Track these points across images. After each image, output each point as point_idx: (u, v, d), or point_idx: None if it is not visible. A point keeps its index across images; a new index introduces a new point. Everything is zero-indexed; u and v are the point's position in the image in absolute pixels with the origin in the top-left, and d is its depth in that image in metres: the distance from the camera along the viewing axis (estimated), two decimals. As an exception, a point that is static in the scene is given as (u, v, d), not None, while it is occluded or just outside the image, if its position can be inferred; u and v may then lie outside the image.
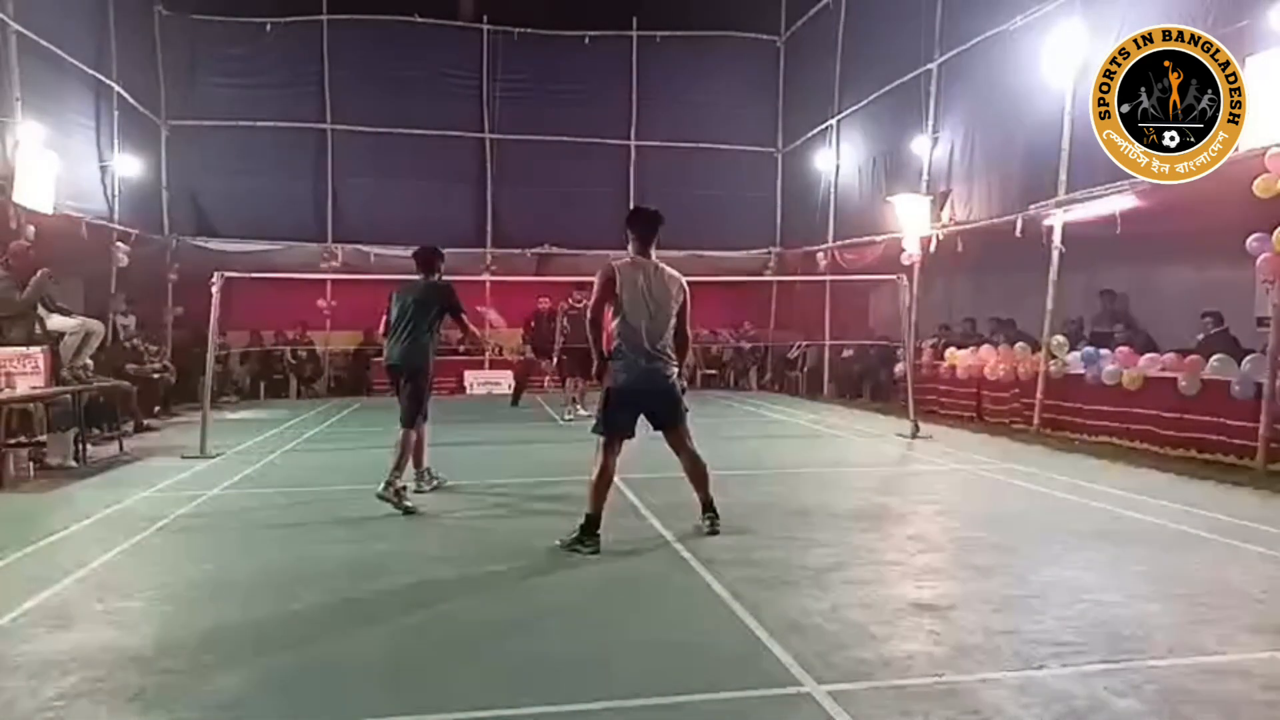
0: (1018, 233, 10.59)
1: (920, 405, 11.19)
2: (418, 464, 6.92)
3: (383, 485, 6.19)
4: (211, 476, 7.70)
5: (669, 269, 5.42)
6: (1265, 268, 7.53)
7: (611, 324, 5.29)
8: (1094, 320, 11.05)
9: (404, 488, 6.33)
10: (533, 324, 13.80)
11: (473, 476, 7.55)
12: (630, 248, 5.43)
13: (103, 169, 13.24)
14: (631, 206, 20.03)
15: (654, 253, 5.43)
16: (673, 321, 5.34)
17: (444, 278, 6.96)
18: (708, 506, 5.52)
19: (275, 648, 3.62)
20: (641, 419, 5.35)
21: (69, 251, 10.63)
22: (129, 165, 13.96)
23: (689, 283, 5.49)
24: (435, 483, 7.02)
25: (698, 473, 5.53)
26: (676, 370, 5.41)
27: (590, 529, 5.08)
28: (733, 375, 18.39)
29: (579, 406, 12.17)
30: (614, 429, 5.26)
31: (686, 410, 5.49)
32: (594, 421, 5.40)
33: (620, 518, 5.70)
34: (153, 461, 8.62)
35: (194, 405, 12.45)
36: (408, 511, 6.12)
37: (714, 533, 5.40)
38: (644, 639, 3.70)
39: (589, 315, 5.37)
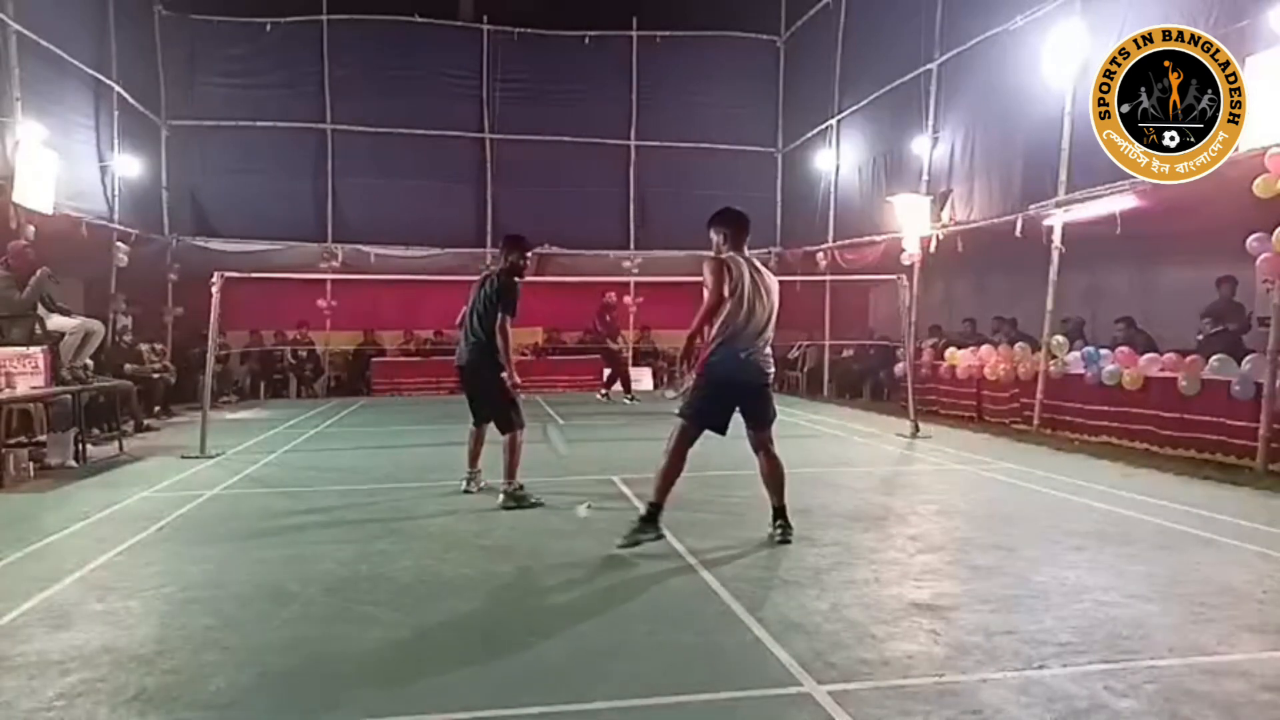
0: (1018, 233, 10.60)
1: (920, 405, 11.20)
2: (472, 462, 6.84)
3: (501, 496, 6.22)
4: (211, 476, 7.70)
5: (765, 268, 5.25)
6: (1265, 268, 7.53)
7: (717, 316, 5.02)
8: (1211, 312, 9.23)
9: (521, 486, 6.28)
10: (607, 316, 14.86)
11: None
12: (723, 247, 5.14)
13: (103, 169, 13.24)
14: (631, 206, 19.92)
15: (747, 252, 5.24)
16: (774, 321, 5.16)
17: (504, 269, 6.44)
18: (779, 513, 5.28)
19: (275, 647, 3.62)
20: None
21: (69, 251, 10.64)
22: (129, 165, 13.97)
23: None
24: (481, 485, 6.81)
25: (775, 476, 5.31)
26: (774, 371, 5.27)
27: (652, 517, 5.01)
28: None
29: (630, 396, 13.88)
30: (704, 420, 5.12)
31: (774, 415, 5.34)
32: (682, 404, 5.23)
33: (621, 517, 5.69)
34: (152, 461, 8.62)
35: (194, 405, 12.45)
36: (536, 505, 6.19)
37: (785, 542, 5.13)
38: (645, 639, 3.70)
39: (707, 305, 4.94)
